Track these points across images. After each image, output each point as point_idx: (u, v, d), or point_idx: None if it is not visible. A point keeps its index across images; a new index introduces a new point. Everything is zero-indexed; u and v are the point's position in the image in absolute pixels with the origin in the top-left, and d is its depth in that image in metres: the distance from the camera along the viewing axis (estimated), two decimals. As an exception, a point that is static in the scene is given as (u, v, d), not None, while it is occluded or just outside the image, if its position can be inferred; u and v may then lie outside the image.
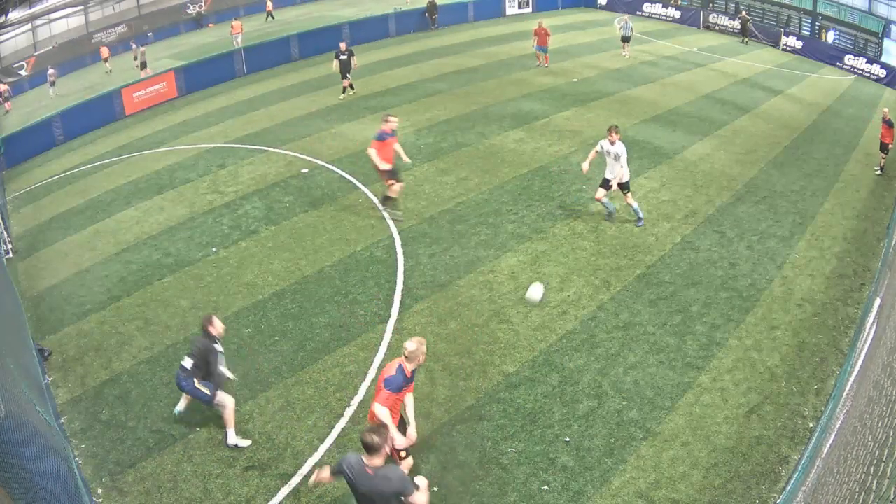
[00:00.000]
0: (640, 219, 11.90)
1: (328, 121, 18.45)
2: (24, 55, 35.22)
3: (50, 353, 9.24)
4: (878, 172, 14.95)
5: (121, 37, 38.31)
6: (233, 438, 7.34)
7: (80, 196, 15.04)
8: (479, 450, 7.17)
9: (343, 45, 20.57)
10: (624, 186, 11.57)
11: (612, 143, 11.25)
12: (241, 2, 43.62)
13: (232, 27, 31.94)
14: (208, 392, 7.17)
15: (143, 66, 27.64)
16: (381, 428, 5.04)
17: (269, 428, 7.61)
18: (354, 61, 20.76)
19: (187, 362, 7.15)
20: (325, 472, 5.23)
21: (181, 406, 7.70)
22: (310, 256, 11.30)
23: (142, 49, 29.12)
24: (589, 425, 7.45)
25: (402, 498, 4.85)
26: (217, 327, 7.31)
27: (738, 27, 30.38)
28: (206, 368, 7.20)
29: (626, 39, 25.26)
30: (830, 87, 23.32)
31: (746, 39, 29.77)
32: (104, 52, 33.74)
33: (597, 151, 11.60)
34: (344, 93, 20.72)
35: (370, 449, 4.84)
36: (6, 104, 28.29)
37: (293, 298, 10.12)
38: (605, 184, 11.53)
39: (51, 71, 29.75)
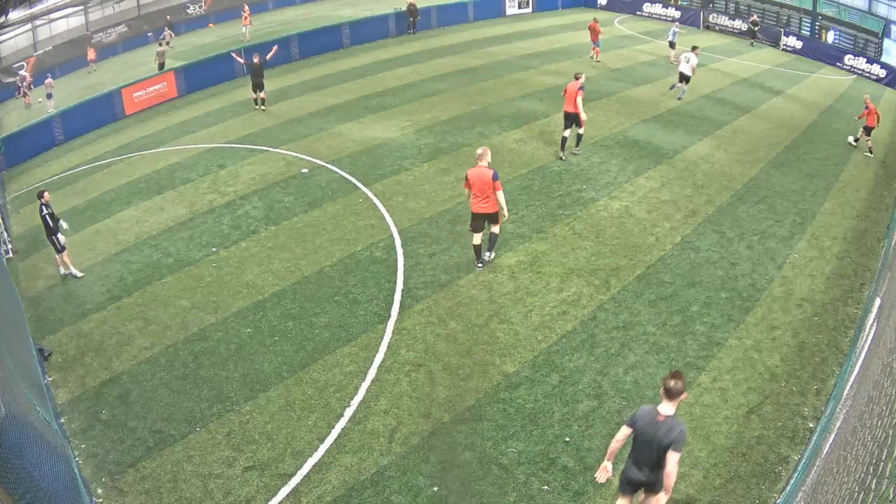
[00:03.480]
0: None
1: (328, 121, 18.46)
2: (24, 55, 35.18)
3: (50, 353, 9.25)
4: (869, 154, 15.82)
5: (121, 37, 38.26)
6: (75, 271, 11.35)
7: (80, 196, 15.04)
8: (479, 450, 7.17)
9: (257, 58, 19.90)
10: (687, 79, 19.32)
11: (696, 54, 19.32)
12: (241, 2, 43.61)
13: (243, 21, 33.46)
14: (61, 242, 11.12)
15: (161, 66, 26.78)
16: (681, 374, 5.27)
17: (269, 428, 7.62)
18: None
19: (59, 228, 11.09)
20: (618, 437, 5.44)
21: (63, 269, 11.39)
22: (310, 256, 11.31)
23: (161, 49, 28.14)
24: (589, 425, 7.45)
25: (671, 450, 5.08)
26: (45, 197, 11.09)
27: (746, 29, 30.07)
28: (49, 227, 10.96)
29: (672, 45, 24.95)
30: (830, 87, 23.32)
31: (753, 41, 29.55)
32: (91, 53, 34.06)
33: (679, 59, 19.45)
34: (259, 104, 20.09)
35: (672, 394, 5.18)
36: (26, 98, 28.08)
37: (293, 298, 10.13)
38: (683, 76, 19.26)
39: (48, 80, 27.91)
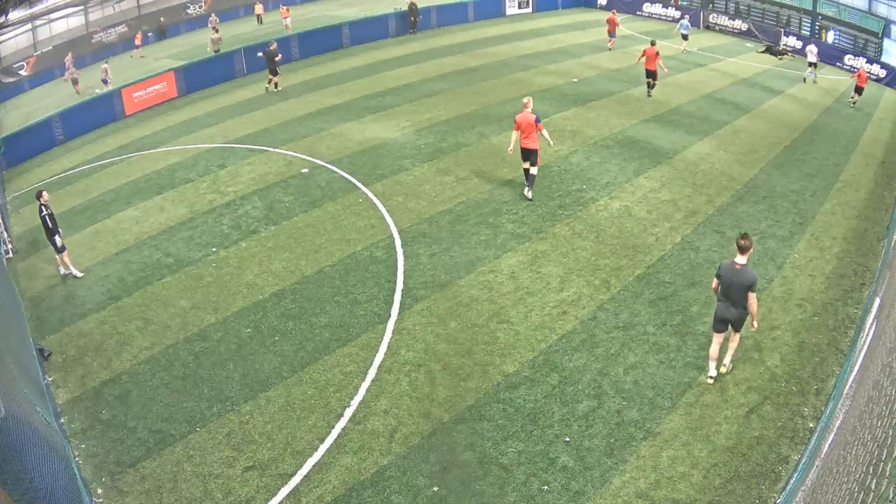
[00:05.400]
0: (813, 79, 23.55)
1: (328, 121, 18.46)
2: (24, 55, 35.16)
3: (50, 353, 9.25)
4: (851, 103, 20.63)
5: (121, 37, 38.25)
6: (75, 271, 11.32)
7: (80, 196, 15.04)
8: (479, 450, 7.17)
9: (273, 45, 22.44)
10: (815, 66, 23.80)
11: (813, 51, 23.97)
12: (241, 2, 43.55)
13: (281, 13, 34.81)
14: (59, 243, 11.05)
15: (218, 52, 27.23)
16: (748, 235, 7.48)
17: (269, 428, 7.62)
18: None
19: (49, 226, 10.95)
20: (714, 283, 7.71)
21: (63, 269, 11.37)
22: (310, 256, 11.31)
23: (217, 36, 28.96)
24: (589, 425, 7.46)
25: (750, 289, 7.36)
26: (44, 197, 11.02)
27: (780, 50, 28.36)
28: (49, 227, 10.90)
29: (685, 38, 26.89)
30: (830, 87, 23.32)
31: (781, 58, 28.06)
32: (138, 38, 35.63)
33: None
34: (272, 87, 22.32)
35: (743, 249, 7.38)
36: (76, 86, 28.17)
37: (293, 298, 10.13)
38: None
39: (104, 66, 28.50)
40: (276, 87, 22.25)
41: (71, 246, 12.49)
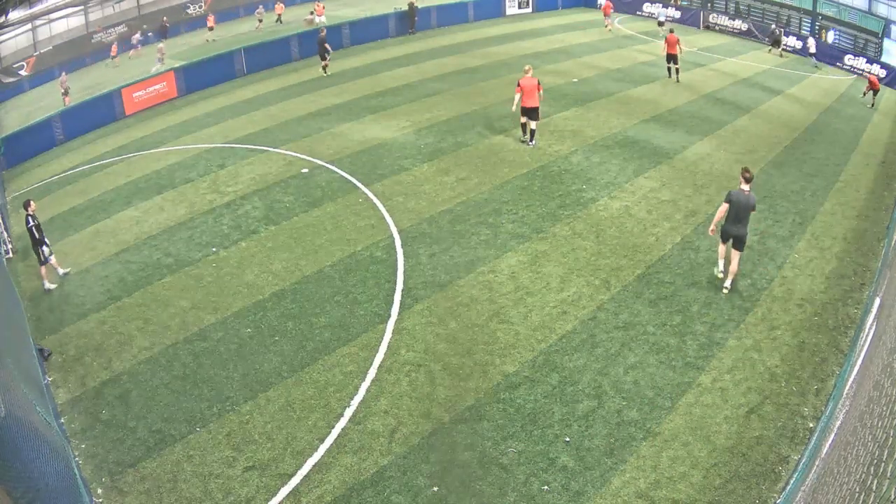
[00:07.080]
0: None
1: (328, 121, 18.45)
2: (24, 55, 35.17)
3: (50, 353, 9.25)
4: (867, 104, 21.06)
5: (121, 37, 38.26)
6: (48, 284, 11.00)
7: (80, 196, 15.03)
8: (479, 450, 7.17)
9: (323, 32, 24.70)
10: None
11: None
12: (242, 1, 43.55)
13: (316, 9, 34.73)
14: (45, 254, 10.87)
15: (279, 19, 28.86)
16: (749, 169, 9.64)
17: (269, 428, 7.62)
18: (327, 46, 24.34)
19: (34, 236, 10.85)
20: (721, 210, 9.53)
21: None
22: (310, 256, 11.31)
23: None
24: (589, 425, 7.46)
25: (753, 209, 9.44)
26: (32, 207, 10.98)
27: (772, 43, 28.39)
28: (35, 237, 10.81)
29: (661, 24, 30.21)
30: (830, 87, 23.32)
31: (780, 51, 28.29)
32: (210, 21, 37.03)
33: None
34: (323, 70, 24.18)
35: (748, 179, 9.37)
36: (66, 98, 28.32)
37: (293, 298, 10.13)
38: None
39: (160, 45, 30.38)
40: (324, 70, 24.05)
41: (71, 246, 12.53)
